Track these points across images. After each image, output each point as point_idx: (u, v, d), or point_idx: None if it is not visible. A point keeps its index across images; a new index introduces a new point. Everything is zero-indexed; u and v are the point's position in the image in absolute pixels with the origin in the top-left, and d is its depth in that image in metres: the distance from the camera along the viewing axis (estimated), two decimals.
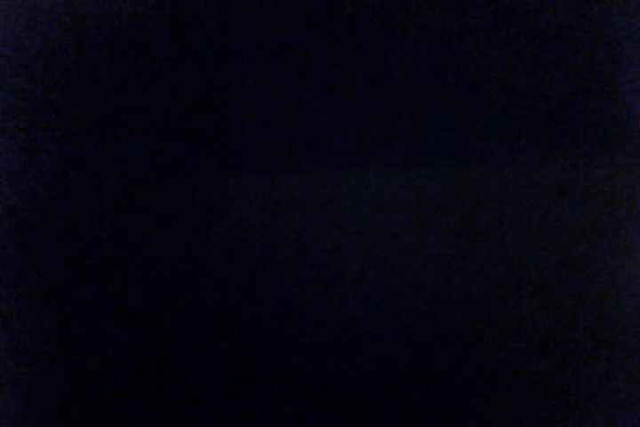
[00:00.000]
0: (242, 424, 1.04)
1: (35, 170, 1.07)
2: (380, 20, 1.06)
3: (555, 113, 1.06)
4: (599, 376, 1.04)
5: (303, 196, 1.05)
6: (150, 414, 1.05)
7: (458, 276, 1.04)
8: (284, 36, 1.06)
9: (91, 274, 1.05)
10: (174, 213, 1.05)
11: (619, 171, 1.06)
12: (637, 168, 1.06)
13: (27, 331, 1.06)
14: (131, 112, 1.06)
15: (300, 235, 1.05)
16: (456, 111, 1.05)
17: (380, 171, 1.05)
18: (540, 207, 1.05)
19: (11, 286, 1.06)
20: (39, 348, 1.06)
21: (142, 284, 1.05)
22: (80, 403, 1.05)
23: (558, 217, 1.05)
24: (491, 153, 1.05)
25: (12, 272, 1.06)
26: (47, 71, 1.07)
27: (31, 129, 1.07)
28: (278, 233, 1.05)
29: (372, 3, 1.06)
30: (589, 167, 1.06)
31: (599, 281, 1.05)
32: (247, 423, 1.04)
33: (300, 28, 1.06)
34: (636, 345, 1.05)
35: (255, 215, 1.05)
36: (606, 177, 1.06)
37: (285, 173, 1.05)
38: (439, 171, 1.05)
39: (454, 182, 1.05)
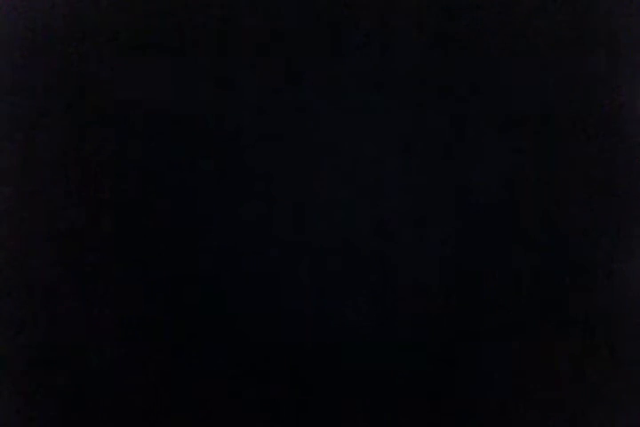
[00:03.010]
0: (242, 425, 1.04)
1: (35, 170, 1.07)
2: (379, 20, 1.06)
3: (554, 113, 1.06)
4: (599, 377, 1.04)
5: (302, 194, 1.05)
6: (150, 414, 1.05)
7: (457, 276, 1.04)
8: (283, 34, 1.06)
9: (91, 274, 1.05)
10: (174, 212, 1.05)
11: (619, 171, 1.06)
12: (637, 168, 1.06)
13: (26, 331, 1.06)
14: (131, 112, 1.06)
15: (299, 234, 1.05)
16: (455, 111, 1.06)
17: (379, 170, 1.05)
18: (540, 207, 1.05)
19: (11, 286, 1.06)
20: (39, 348, 1.06)
21: (142, 284, 1.05)
22: (80, 403, 1.05)
23: (558, 217, 1.05)
24: (489, 153, 1.05)
25: (12, 272, 1.06)
26: (47, 71, 1.07)
27: (31, 129, 1.07)
28: (278, 232, 1.05)
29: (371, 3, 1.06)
30: (588, 167, 1.06)
31: (599, 281, 1.05)
32: (248, 424, 1.04)
33: (299, 25, 1.06)
34: (635, 345, 1.05)
35: (254, 215, 1.05)
36: (606, 177, 1.06)
37: (285, 172, 1.05)
38: (437, 170, 1.05)
39: (453, 182, 1.05)
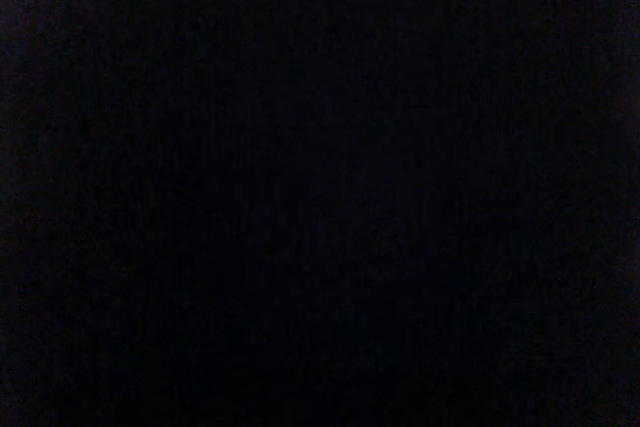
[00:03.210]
0: (242, 425, 1.04)
1: (35, 170, 1.07)
2: (379, 20, 1.06)
3: (554, 113, 1.06)
4: (599, 376, 1.04)
5: (301, 194, 1.05)
6: (150, 414, 1.05)
7: (456, 276, 1.04)
8: (284, 35, 1.06)
9: (91, 274, 1.05)
10: (174, 212, 1.05)
11: (619, 171, 1.06)
12: (637, 168, 1.06)
13: (27, 331, 1.06)
14: (131, 112, 1.06)
15: (298, 234, 1.05)
16: (455, 111, 1.06)
17: (379, 169, 1.05)
18: (540, 207, 1.05)
19: (11, 287, 1.06)
20: (39, 349, 1.06)
21: (143, 284, 1.05)
22: (80, 403, 1.05)
23: (558, 217, 1.05)
24: (490, 153, 1.05)
25: (12, 272, 1.06)
26: (47, 71, 1.07)
27: (31, 129, 1.08)
28: (277, 232, 1.05)
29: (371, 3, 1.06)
30: (589, 167, 1.06)
31: (599, 281, 1.05)
32: (248, 424, 1.04)
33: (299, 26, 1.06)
34: (636, 345, 1.05)
35: (254, 214, 1.05)
36: (606, 177, 1.06)
37: (284, 172, 1.05)
38: (437, 170, 1.05)
39: (453, 182, 1.05)
